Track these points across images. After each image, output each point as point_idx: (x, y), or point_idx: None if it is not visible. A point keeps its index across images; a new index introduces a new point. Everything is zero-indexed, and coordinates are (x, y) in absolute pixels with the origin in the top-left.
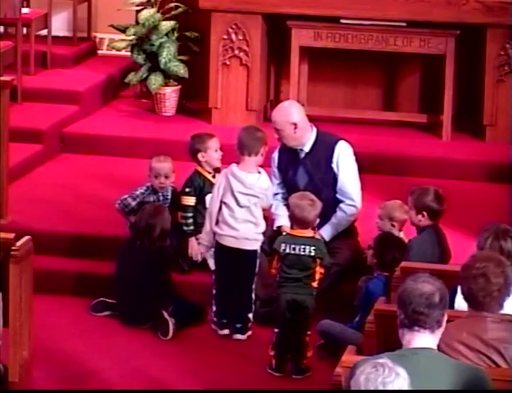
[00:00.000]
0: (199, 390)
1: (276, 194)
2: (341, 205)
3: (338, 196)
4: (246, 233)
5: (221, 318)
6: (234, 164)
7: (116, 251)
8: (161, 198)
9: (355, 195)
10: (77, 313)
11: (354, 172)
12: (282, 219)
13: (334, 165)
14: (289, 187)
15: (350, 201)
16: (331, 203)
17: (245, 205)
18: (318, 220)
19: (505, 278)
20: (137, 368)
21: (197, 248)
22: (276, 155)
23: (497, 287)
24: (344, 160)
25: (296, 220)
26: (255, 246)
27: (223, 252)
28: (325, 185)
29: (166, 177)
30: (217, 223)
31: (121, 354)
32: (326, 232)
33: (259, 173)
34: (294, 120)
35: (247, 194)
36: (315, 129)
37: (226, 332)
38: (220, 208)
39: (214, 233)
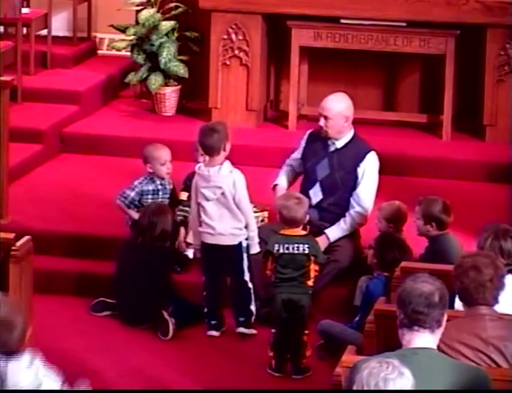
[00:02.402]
0: (198, 390)
1: (289, 165)
2: (351, 211)
3: (351, 199)
4: (221, 229)
5: (210, 319)
6: (201, 164)
7: (116, 251)
8: (159, 187)
9: (367, 204)
10: (77, 313)
11: (375, 185)
12: (280, 179)
13: (359, 170)
14: (306, 173)
15: (360, 209)
16: (343, 204)
17: (211, 198)
18: (308, 217)
19: (496, 268)
20: (137, 367)
21: (183, 237)
22: (306, 137)
23: (489, 277)
24: (371, 170)
25: (285, 221)
26: (234, 240)
27: (204, 249)
28: (344, 184)
29: (170, 161)
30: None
31: (121, 353)
32: (332, 234)
33: (221, 164)
34: (348, 114)
35: (209, 187)
36: (353, 131)
37: (213, 333)
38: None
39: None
